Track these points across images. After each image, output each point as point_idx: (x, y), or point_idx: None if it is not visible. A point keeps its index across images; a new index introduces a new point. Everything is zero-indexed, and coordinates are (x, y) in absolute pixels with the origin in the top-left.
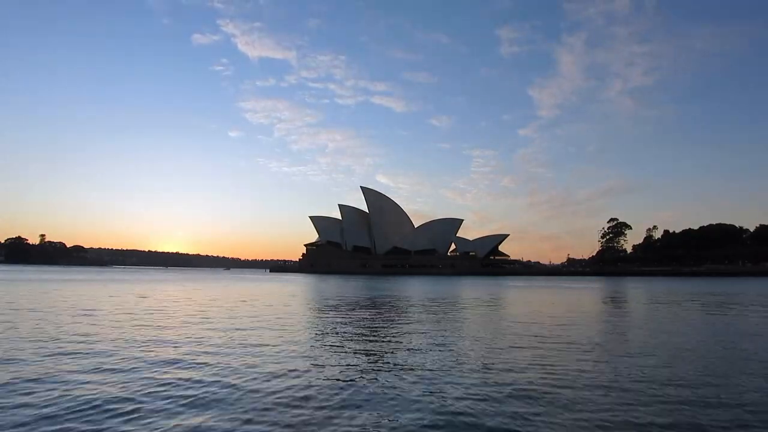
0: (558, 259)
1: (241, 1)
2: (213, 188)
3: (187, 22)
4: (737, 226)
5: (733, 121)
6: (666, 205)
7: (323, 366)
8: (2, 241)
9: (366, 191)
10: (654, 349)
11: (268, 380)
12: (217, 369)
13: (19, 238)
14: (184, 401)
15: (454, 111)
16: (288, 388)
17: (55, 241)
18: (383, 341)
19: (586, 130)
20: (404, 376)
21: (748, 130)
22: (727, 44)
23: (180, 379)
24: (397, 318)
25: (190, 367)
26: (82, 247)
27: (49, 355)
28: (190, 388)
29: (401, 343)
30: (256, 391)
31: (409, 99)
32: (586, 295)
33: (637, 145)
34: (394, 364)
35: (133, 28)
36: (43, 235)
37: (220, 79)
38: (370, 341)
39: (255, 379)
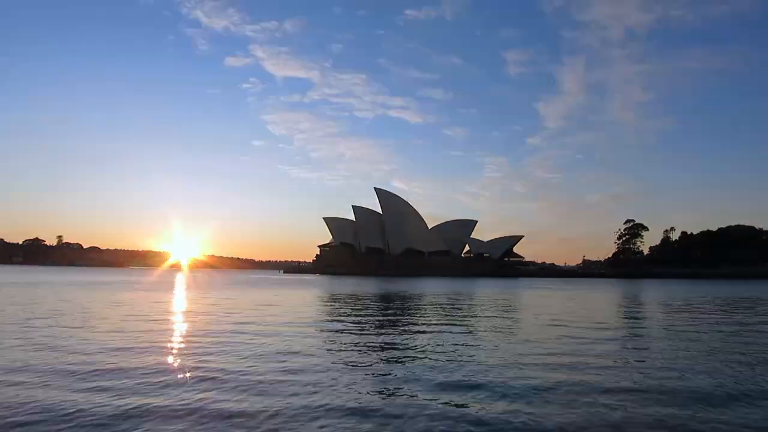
0: (573, 260)
1: (271, 30)
2: (231, 192)
3: (221, 47)
4: (756, 227)
5: (744, 128)
6: (681, 208)
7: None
8: (20, 242)
9: (380, 192)
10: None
11: None
12: None
13: (36, 239)
14: None
15: (467, 123)
16: None
17: (72, 242)
18: None
19: (592, 139)
20: None
21: (761, 135)
22: (722, 63)
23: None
24: None
25: None
26: (99, 248)
27: None
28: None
29: None
30: None
31: (425, 112)
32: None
33: (644, 151)
34: None
35: (171, 52)
36: (60, 236)
37: (247, 96)
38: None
39: None
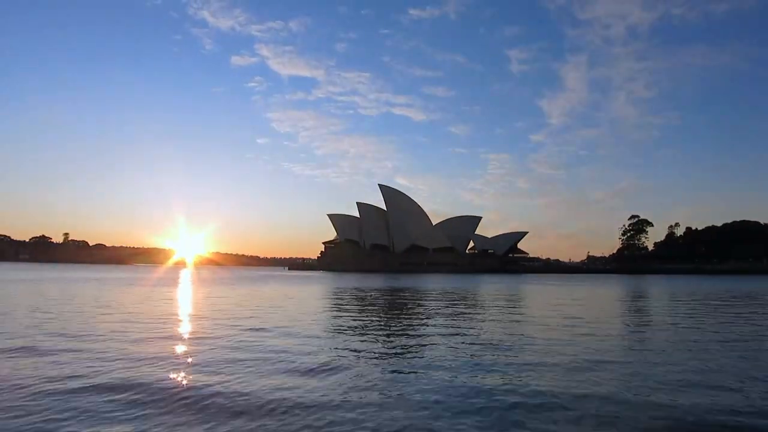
0: (577, 256)
1: (276, 29)
2: (236, 189)
3: (227, 47)
4: (761, 222)
5: (747, 124)
6: (685, 204)
7: None
8: (27, 240)
9: (384, 189)
10: None
11: None
12: None
13: (43, 236)
14: None
15: (471, 120)
16: None
17: (78, 239)
18: None
19: (595, 136)
20: None
21: (764, 131)
22: (724, 60)
23: None
24: None
25: None
26: (104, 245)
27: None
28: None
29: None
30: None
31: (429, 110)
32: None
33: (647, 147)
34: None
35: (178, 52)
36: (66, 234)
37: (253, 94)
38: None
39: None
